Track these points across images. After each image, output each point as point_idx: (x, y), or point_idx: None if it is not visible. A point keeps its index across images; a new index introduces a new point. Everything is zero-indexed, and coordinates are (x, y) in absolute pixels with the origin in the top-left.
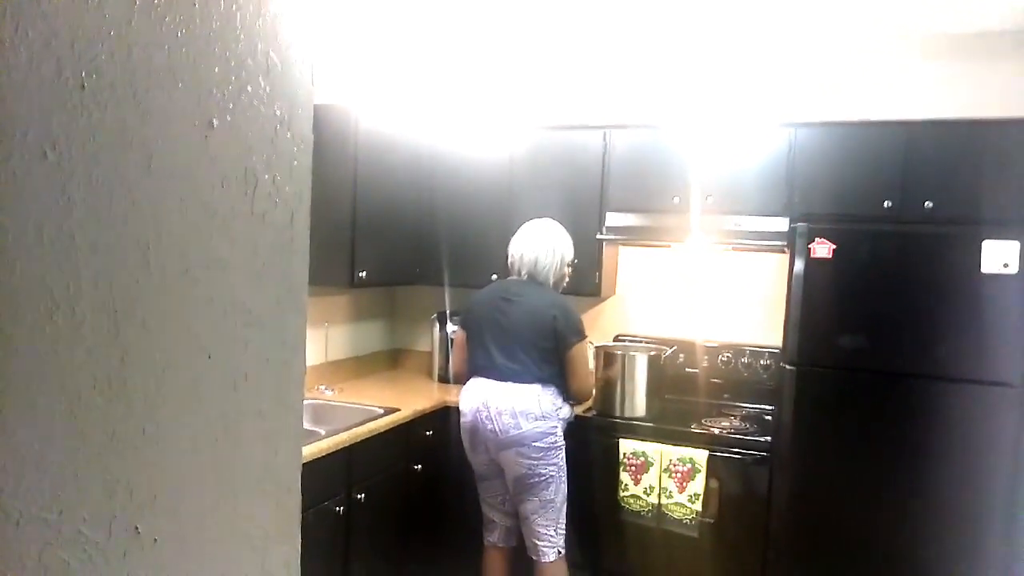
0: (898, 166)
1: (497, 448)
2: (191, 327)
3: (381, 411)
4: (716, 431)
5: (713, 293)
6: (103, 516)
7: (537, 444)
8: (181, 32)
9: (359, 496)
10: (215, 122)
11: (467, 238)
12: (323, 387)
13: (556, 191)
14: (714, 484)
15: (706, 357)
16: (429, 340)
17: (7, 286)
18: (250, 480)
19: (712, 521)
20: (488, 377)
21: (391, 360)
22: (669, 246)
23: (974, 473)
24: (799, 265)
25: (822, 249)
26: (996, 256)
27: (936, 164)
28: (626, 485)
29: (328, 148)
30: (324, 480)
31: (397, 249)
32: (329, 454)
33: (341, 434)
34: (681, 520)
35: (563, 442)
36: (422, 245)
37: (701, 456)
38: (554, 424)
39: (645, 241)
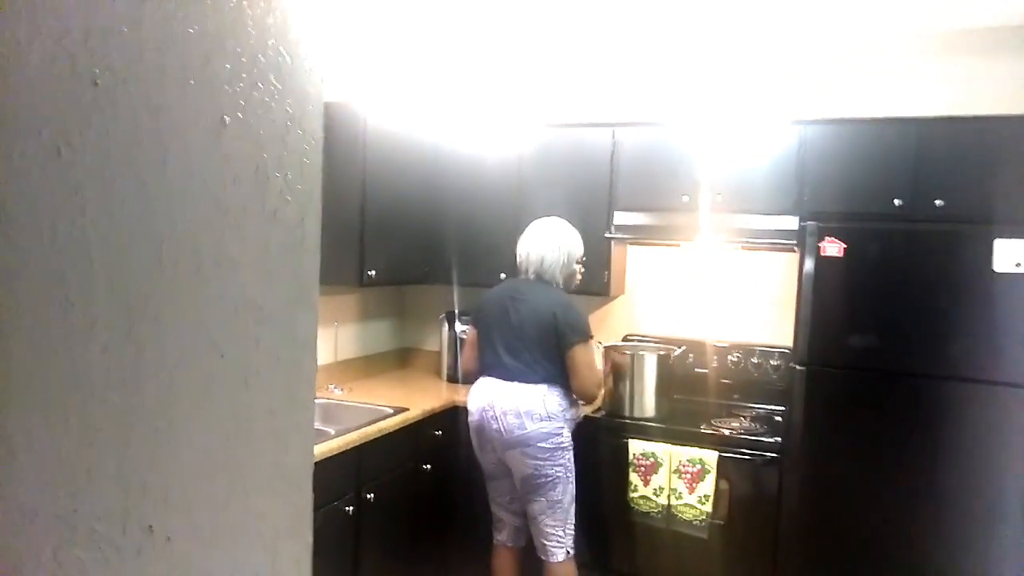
0: (909, 164)
1: (503, 448)
2: (203, 325)
3: (390, 411)
4: (726, 432)
5: (722, 292)
6: (117, 514)
7: (543, 445)
8: (193, 28)
9: (368, 496)
10: (227, 119)
11: (476, 237)
12: (333, 386)
13: (564, 190)
14: (724, 485)
15: (716, 357)
16: (438, 339)
17: (21, 284)
18: (262, 478)
19: (722, 522)
20: (496, 376)
21: (400, 359)
22: (678, 245)
23: (986, 474)
24: (809, 264)
25: (832, 248)
26: (1008, 255)
27: (947, 162)
28: (635, 486)
29: (337, 146)
30: (334, 480)
31: (406, 248)
32: (339, 454)
33: (351, 434)
34: (691, 521)
35: (570, 443)
36: (431, 244)
37: (711, 457)
38: (560, 425)
39: (654, 240)
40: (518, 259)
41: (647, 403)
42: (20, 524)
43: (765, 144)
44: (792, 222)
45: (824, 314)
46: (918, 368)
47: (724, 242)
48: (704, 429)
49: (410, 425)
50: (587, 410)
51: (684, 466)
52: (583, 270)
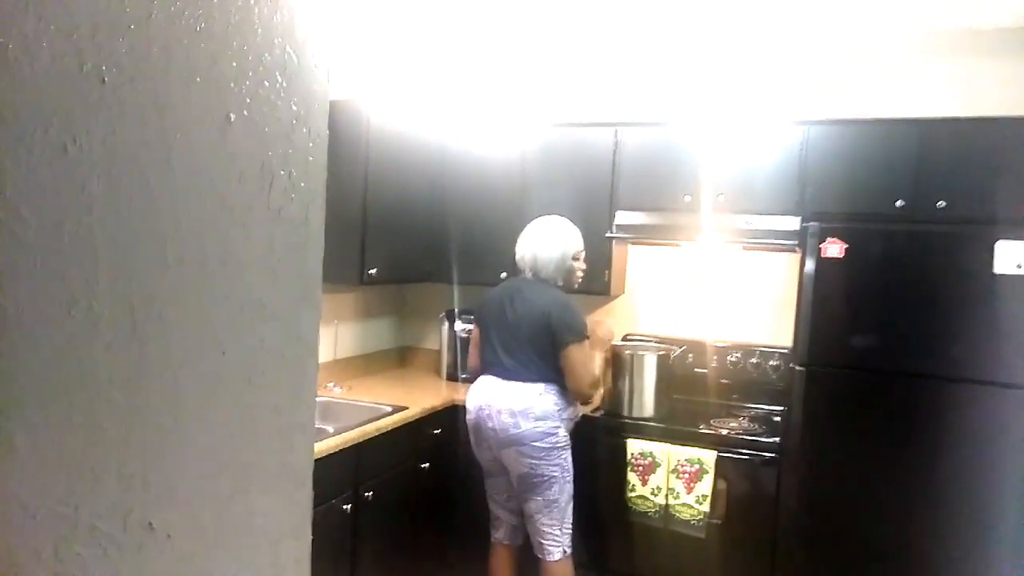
0: (911, 165)
1: (498, 446)
2: (207, 323)
3: (389, 409)
4: (725, 432)
5: (723, 292)
6: (118, 511)
7: (538, 444)
8: (200, 26)
9: (367, 494)
10: (232, 117)
11: (477, 236)
12: (332, 384)
13: (566, 189)
14: (722, 485)
15: (715, 357)
16: (438, 338)
17: (27, 280)
18: (264, 475)
19: (720, 522)
20: (494, 375)
21: (400, 358)
22: (679, 245)
23: (985, 475)
24: (810, 264)
25: (834, 248)
26: (1009, 257)
27: (949, 163)
28: (633, 486)
29: (339, 145)
30: (332, 478)
31: (407, 247)
32: (337, 452)
33: (349, 432)
34: (689, 521)
35: (567, 442)
36: (432, 243)
37: (709, 457)
38: (556, 424)
39: (655, 240)
40: (517, 258)
41: (646, 403)
42: (22, 521)
43: (767, 144)
44: (794, 222)
45: (824, 315)
46: (918, 369)
47: (725, 242)
48: (703, 429)
49: (409, 423)
50: (586, 409)
51: (682, 466)
52: (583, 267)
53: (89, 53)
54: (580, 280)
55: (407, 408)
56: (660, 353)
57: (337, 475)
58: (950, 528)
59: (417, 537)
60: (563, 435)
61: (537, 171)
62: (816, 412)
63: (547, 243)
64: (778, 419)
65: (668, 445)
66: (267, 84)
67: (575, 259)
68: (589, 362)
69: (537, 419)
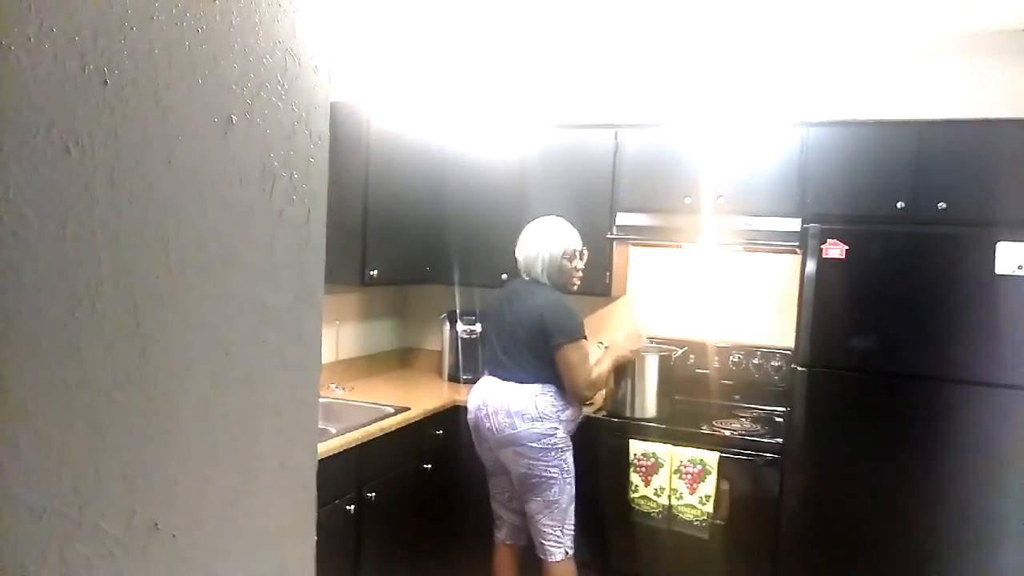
0: (911, 166)
1: (496, 446)
2: (210, 324)
3: (391, 410)
4: (727, 433)
5: (724, 294)
6: (123, 511)
7: (534, 445)
8: (201, 29)
9: (369, 495)
10: (234, 119)
11: (478, 237)
12: (334, 385)
13: (567, 191)
14: (725, 486)
15: (717, 358)
16: (439, 339)
17: (30, 281)
18: (267, 476)
19: (723, 523)
20: (495, 375)
21: (401, 359)
22: (680, 246)
23: (986, 476)
24: (811, 266)
25: (834, 250)
26: (1010, 258)
27: (949, 164)
28: (636, 486)
29: (340, 146)
30: (335, 479)
31: (408, 248)
32: (340, 453)
33: (352, 433)
34: (691, 522)
35: (567, 443)
36: (433, 244)
37: (712, 458)
38: (553, 425)
39: (656, 241)
40: (517, 260)
41: (648, 403)
42: (27, 521)
43: (767, 146)
44: (794, 224)
45: (826, 316)
46: (919, 370)
47: (726, 243)
48: (705, 430)
49: (411, 424)
50: (588, 410)
51: (685, 466)
52: (579, 267)
53: (91, 55)
54: (578, 281)
55: (409, 409)
56: (662, 354)
57: (340, 476)
58: (952, 528)
59: (420, 538)
60: (561, 436)
61: (537, 173)
62: (818, 413)
63: (536, 244)
64: (780, 420)
65: (670, 446)
66: (268, 86)
67: (567, 259)
68: (585, 363)
69: (533, 420)
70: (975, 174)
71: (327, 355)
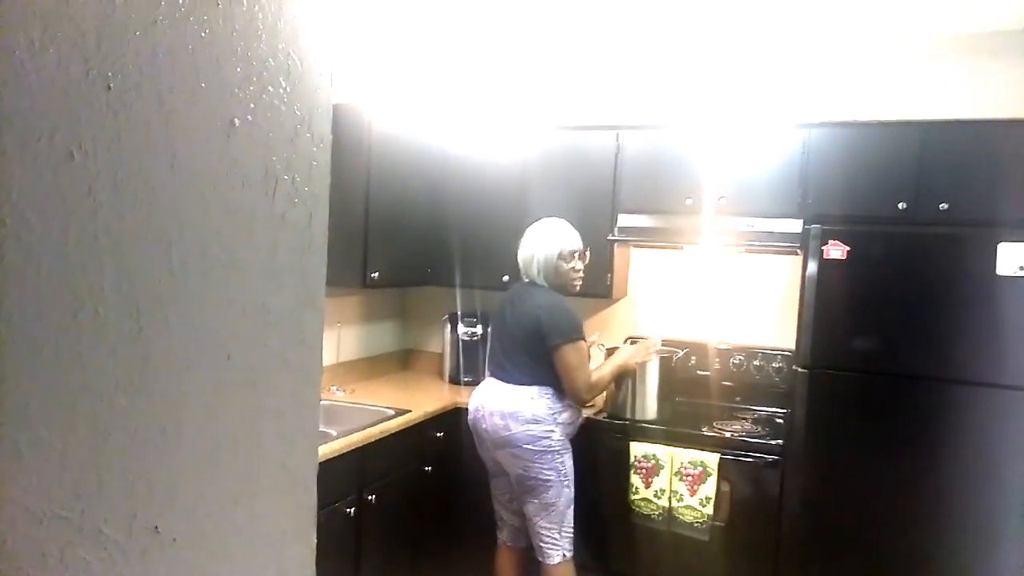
0: (912, 167)
1: (493, 447)
2: (212, 327)
3: (392, 412)
4: (728, 434)
5: (725, 295)
6: (124, 515)
7: (530, 447)
8: (204, 32)
9: (370, 497)
10: (237, 122)
11: (479, 239)
12: (335, 388)
13: (568, 192)
14: (725, 487)
15: (718, 359)
16: (440, 341)
17: (33, 285)
18: (268, 480)
19: (723, 525)
20: (495, 377)
21: (402, 361)
22: (681, 248)
23: (988, 477)
24: (812, 267)
25: (836, 251)
26: (1012, 258)
27: (951, 165)
28: (636, 488)
29: (342, 149)
30: (335, 481)
31: (409, 250)
32: (341, 455)
33: (352, 435)
34: (692, 523)
35: (564, 446)
36: (434, 246)
37: (712, 459)
38: (549, 428)
39: (657, 242)
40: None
41: (649, 405)
42: (27, 525)
43: (768, 147)
44: (795, 225)
45: (827, 317)
46: (921, 371)
47: (727, 245)
48: (706, 431)
49: (412, 427)
50: (588, 412)
51: (685, 468)
52: (578, 268)
53: (94, 60)
54: (577, 282)
55: (410, 411)
56: (663, 356)
57: (341, 478)
58: (953, 530)
59: (421, 540)
60: (558, 439)
61: (539, 174)
62: (819, 414)
63: (532, 245)
64: (781, 421)
65: (671, 448)
66: (271, 89)
67: (563, 259)
68: (584, 365)
69: (527, 422)
70: (976, 175)
71: (328, 357)
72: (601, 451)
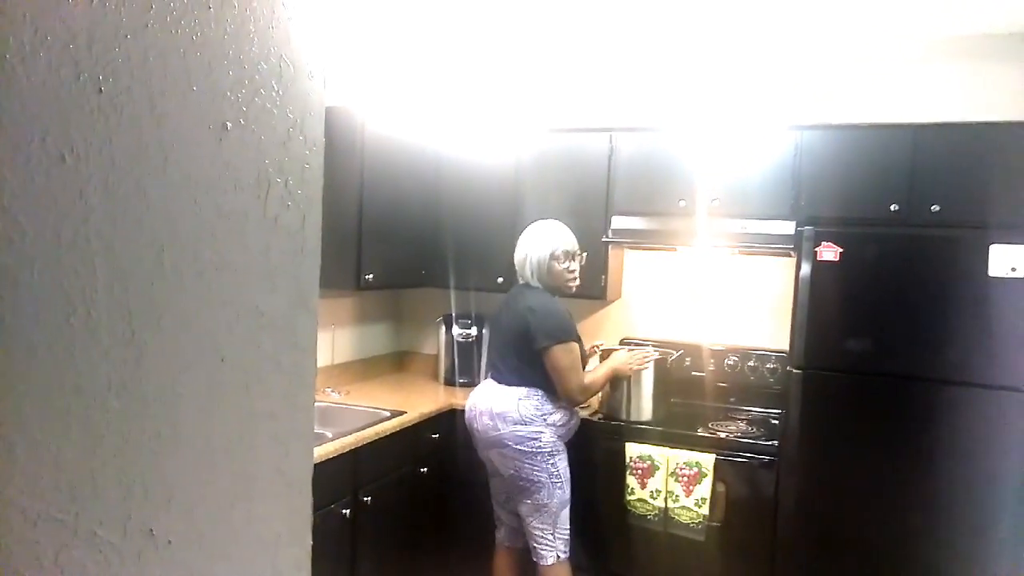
0: (905, 169)
1: (485, 447)
2: (205, 330)
3: (387, 413)
4: (723, 435)
5: (719, 296)
6: (118, 517)
7: (519, 447)
8: (196, 36)
9: (365, 499)
10: (229, 125)
11: (473, 241)
12: (329, 389)
13: (562, 194)
14: (721, 488)
15: (712, 361)
16: (435, 343)
17: (25, 289)
18: (263, 481)
19: (719, 525)
20: (491, 378)
21: (397, 362)
22: (675, 249)
23: (982, 478)
24: (806, 268)
25: (829, 253)
26: (1004, 260)
27: (943, 167)
28: (632, 489)
29: (335, 151)
30: (331, 483)
31: (403, 252)
32: (335, 457)
33: (347, 437)
34: (688, 524)
35: (555, 448)
36: (428, 248)
37: (708, 460)
38: (539, 429)
39: (651, 244)
40: None
41: (644, 406)
42: (22, 527)
43: (762, 149)
44: (789, 227)
45: (820, 318)
46: (914, 372)
47: (721, 246)
48: (701, 432)
49: (407, 428)
50: (584, 413)
51: (681, 469)
52: (573, 268)
53: (86, 63)
54: (572, 283)
55: (405, 412)
56: (657, 357)
57: (336, 480)
58: (948, 530)
59: (416, 541)
60: (548, 440)
61: (533, 176)
62: (813, 415)
63: (524, 247)
64: (776, 422)
65: (667, 448)
66: (263, 92)
67: (555, 260)
68: (575, 366)
69: (516, 423)
70: (969, 177)
71: (323, 359)
72: (597, 452)
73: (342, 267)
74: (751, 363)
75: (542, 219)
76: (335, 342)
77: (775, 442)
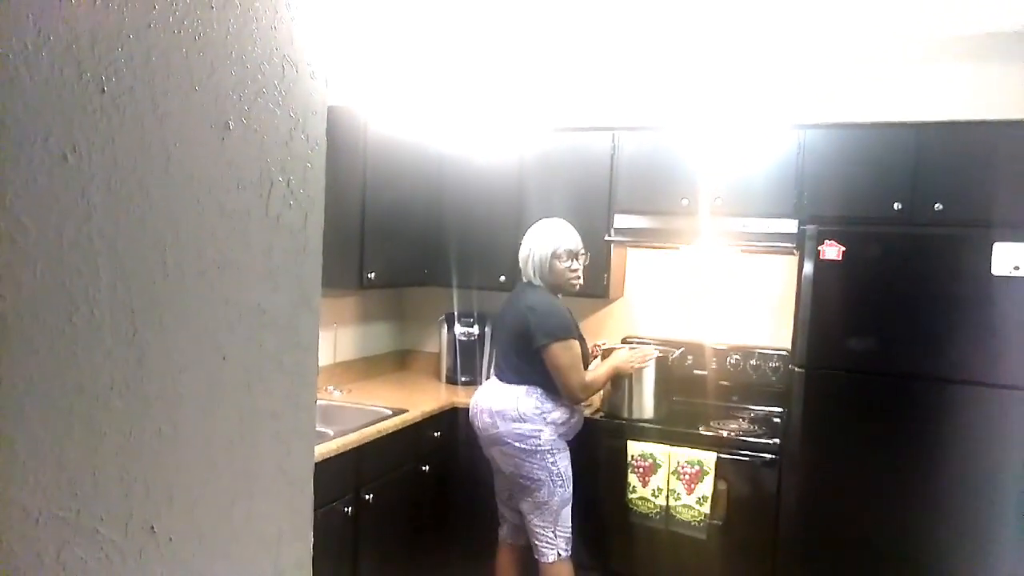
0: (908, 168)
1: (486, 444)
2: (207, 328)
3: (389, 412)
4: (725, 433)
5: (722, 295)
6: (120, 515)
7: (518, 445)
8: (198, 36)
9: (367, 497)
10: (231, 125)
11: (476, 240)
12: (332, 388)
13: (565, 193)
14: (723, 486)
15: (714, 359)
16: (437, 341)
17: (28, 288)
18: (264, 480)
19: (720, 523)
20: (495, 376)
21: (399, 361)
22: (677, 248)
23: (984, 476)
24: (808, 267)
25: (831, 251)
26: (1007, 259)
27: (946, 166)
28: (634, 487)
29: (337, 150)
30: (333, 481)
31: (406, 251)
32: (338, 455)
33: (350, 435)
34: (689, 522)
35: (555, 446)
36: (431, 247)
37: (709, 458)
38: (537, 427)
39: (653, 243)
40: None
41: (646, 405)
42: (24, 525)
43: (764, 148)
44: (791, 225)
45: (823, 317)
46: (917, 371)
47: (723, 245)
48: (703, 430)
49: (409, 426)
50: (585, 412)
51: (683, 467)
52: (575, 267)
53: (89, 63)
54: (574, 282)
55: (407, 411)
56: (659, 355)
57: (338, 478)
58: (950, 528)
59: (418, 539)
60: (547, 438)
61: (535, 175)
62: (815, 413)
63: (527, 245)
64: (778, 420)
65: (668, 447)
66: (265, 92)
67: (557, 259)
68: (576, 364)
69: (514, 420)
70: (972, 176)
71: (325, 358)
72: (598, 450)
73: (345, 266)
74: (753, 361)
75: (545, 218)
76: (337, 341)
77: (777, 441)
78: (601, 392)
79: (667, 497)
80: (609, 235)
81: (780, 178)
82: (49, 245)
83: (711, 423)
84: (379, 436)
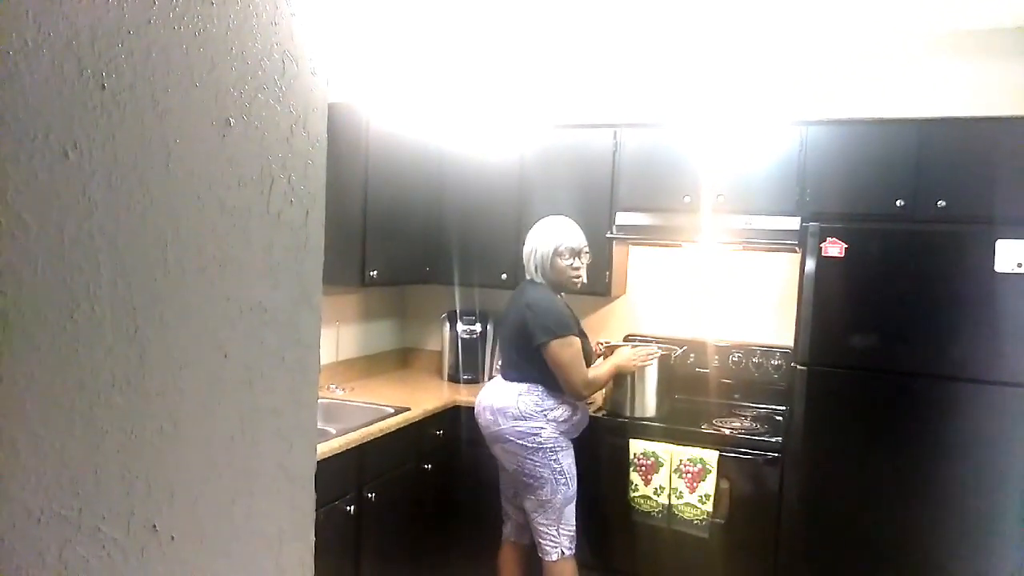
0: (910, 165)
1: (489, 442)
2: (208, 325)
3: (392, 410)
4: (727, 431)
5: (724, 293)
6: (121, 513)
7: (520, 442)
8: (199, 32)
9: (370, 495)
10: (232, 121)
11: (477, 238)
12: (334, 386)
13: (566, 190)
14: (725, 485)
15: (717, 357)
16: (439, 339)
17: (29, 285)
18: (265, 478)
19: (723, 522)
20: (499, 374)
21: (401, 359)
22: (680, 245)
23: (986, 474)
24: (810, 264)
25: (834, 248)
26: (1010, 256)
27: (949, 163)
28: (636, 485)
29: (339, 147)
30: (335, 479)
31: (408, 249)
32: (340, 453)
33: (352, 433)
34: (692, 521)
35: (558, 444)
36: (432, 244)
37: (712, 456)
38: (539, 425)
39: (655, 240)
40: None
41: (648, 403)
42: (25, 523)
43: (766, 145)
44: (794, 223)
45: (825, 314)
46: (919, 368)
47: (725, 242)
48: (705, 429)
49: (411, 425)
50: (588, 410)
51: (685, 465)
52: (577, 265)
53: (89, 59)
54: (576, 280)
55: (409, 409)
56: (661, 353)
57: (340, 476)
58: (952, 527)
59: (420, 538)
60: (549, 436)
61: (537, 172)
62: (818, 411)
63: (529, 242)
64: (780, 418)
65: (670, 445)
66: (266, 89)
67: (559, 256)
68: (577, 361)
69: (515, 418)
70: (974, 172)
71: (327, 356)
72: (600, 448)
73: (347, 264)
74: (755, 359)
75: (547, 215)
76: (339, 338)
77: (779, 439)
78: (603, 390)
79: (669, 495)
80: (611, 232)
81: (782, 175)
82: (50, 242)
83: (713, 421)
84: (381, 434)
